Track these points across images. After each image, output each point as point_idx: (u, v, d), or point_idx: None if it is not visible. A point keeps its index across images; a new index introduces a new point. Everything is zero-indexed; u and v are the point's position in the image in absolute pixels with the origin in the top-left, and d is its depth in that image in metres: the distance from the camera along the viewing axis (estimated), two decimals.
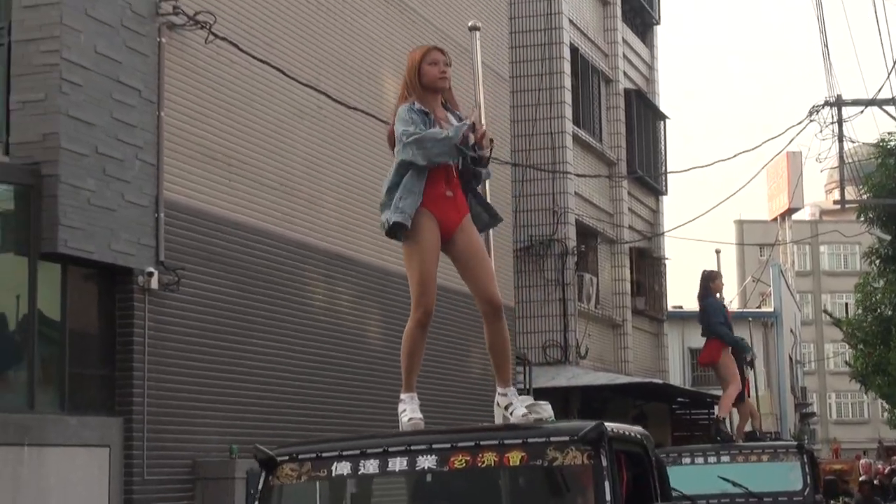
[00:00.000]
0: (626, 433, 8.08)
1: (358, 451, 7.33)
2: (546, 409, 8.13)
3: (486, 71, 27.23)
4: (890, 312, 33.00)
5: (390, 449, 7.35)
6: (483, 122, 8.79)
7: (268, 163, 20.14)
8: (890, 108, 31.59)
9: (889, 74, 30.12)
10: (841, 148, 31.13)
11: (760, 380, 56.01)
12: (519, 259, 29.60)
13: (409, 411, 8.06)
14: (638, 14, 37.68)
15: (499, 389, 8.35)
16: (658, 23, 39.72)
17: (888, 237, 34.00)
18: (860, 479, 27.12)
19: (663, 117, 38.97)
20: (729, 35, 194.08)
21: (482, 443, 7.21)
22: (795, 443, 18.84)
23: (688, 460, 17.29)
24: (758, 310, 60.99)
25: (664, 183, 38.99)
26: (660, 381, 33.15)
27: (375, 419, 22.12)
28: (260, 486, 7.54)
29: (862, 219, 36.86)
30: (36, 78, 15.90)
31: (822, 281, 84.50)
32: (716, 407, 22.67)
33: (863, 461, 33.78)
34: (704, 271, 20.93)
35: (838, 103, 30.45)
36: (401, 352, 8.23)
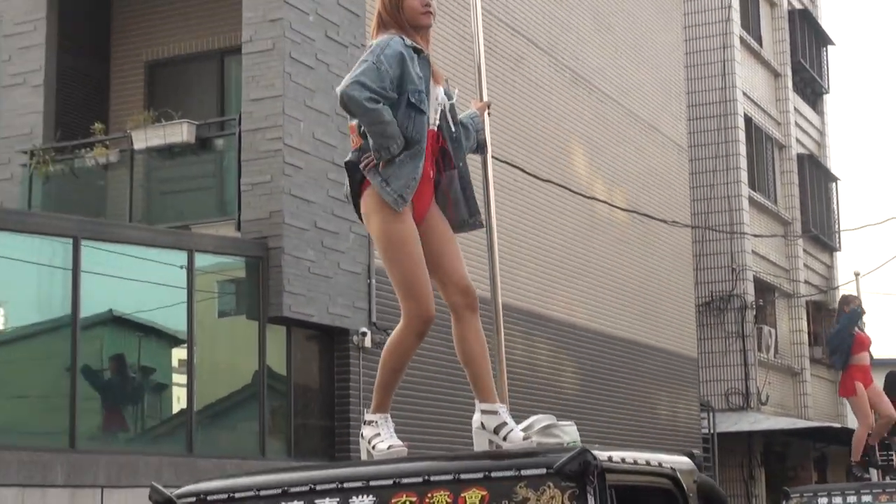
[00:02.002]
0: (637, 462, 5.51)
1: (280, 491, 5.33)
2: (569, 432, 5.93)
3: (665, 141, 27.65)
4: None
5: (318, 487, 5.28)
6: (486, 96, 6.99)
7: (472, 235, 20.21)
8: None
9: None
10: None
11: None
12: (701, 313, 29.53)
13: (386, 437, 6.21)
14: (808, 84, 37.42)
15: (480, 406, 6.18)
16: (827, 91, 39.32)
17: None
18: None
19: (835, 179, 38.54)
20: None
21: (432, 478, 5.12)
22: None
23: (824, 500, 15.09)
24: None
25: (838, 240, 38.61)
26: (838, 426, 32.57)
27: None
28: None
29: None
30: (262, 162, 16.38)
31: None
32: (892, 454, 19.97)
33: None
34: (842, 297, 19.54)
35: None
36: (381, 365, 6.43)
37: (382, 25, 6.26)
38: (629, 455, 5.33)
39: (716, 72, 31.23)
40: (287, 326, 16.76)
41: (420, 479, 5.08)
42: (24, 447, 14.27)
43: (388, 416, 6.40)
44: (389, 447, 6.10)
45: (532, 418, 5.96)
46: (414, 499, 5.02)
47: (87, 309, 14.89)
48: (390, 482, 5.15)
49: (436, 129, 6.33)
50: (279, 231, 16.22)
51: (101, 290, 15.17)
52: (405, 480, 5.13)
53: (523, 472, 4.91)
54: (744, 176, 31.29)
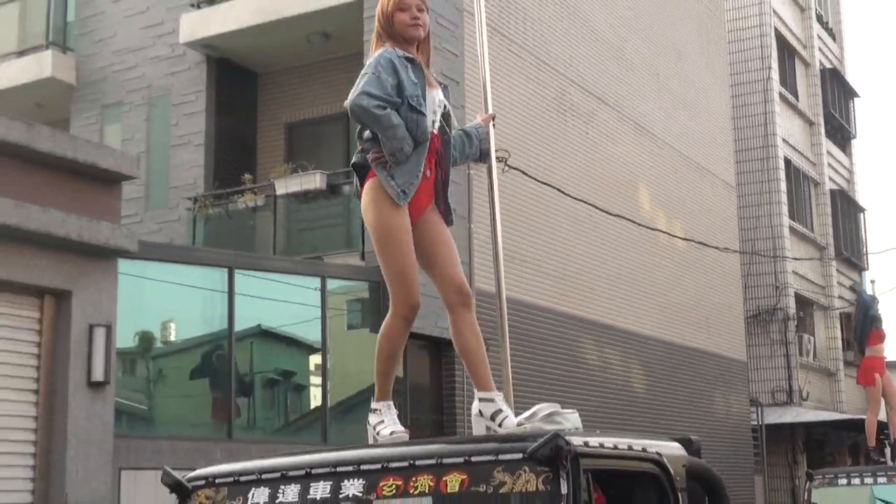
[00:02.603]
0: (618, 447, 4.89)
1: (279, 475, 4.92)
2: (571, 419, 5.34)
3: (716, 181, 27.74)
4: None
5: (313, 472, 4.90)
6: (490, 108, 6.48)
7: (551, 260, 20.33)
8: None
9: None
10: None
11: None
12: (749, 324, 29.59)
13: (390, 423, 5.77)
14: (838, 131, 37.15)
15: (478, 395, 5.86)
16: (855, 136, 38.95)
17: None
18: None
19: (862, 210, 38.20)
20: None
21: (418, 462, 4.69)
22: None
23: (843, 481, 14.19)
24: None
25: (866, 261, 38.34)
26: None
27: None
28: None
29: None
30: None
31: None
32: None
33: None
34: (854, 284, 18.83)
35: None
36: (377, 354, 5.97)
37: (379, 39, 5.94)
38: (609, 440, 4.80)
39: (759, 122, 31.33)
40: None
41: (406, 464, 4.69)
42: (191, 437, 14.77)
43: (391, 403, 5.95)
44: (392, 433, 5.70)
45: (536, 407, 5.41)
46: (400, 482, 4.66)
47: (240, 325, 15.39)
48: (378, 466, 4.76)
49: (436, 130, 5.93)
50: None
51: (252, 310, 15.61)
52: (392, 465, 4.73)
53: (501, 457, 4.51)
54: (784, 209, 31.29)
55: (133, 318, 14.01)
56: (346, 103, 5.69)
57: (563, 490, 4.27)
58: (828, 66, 36.65)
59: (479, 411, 5.79)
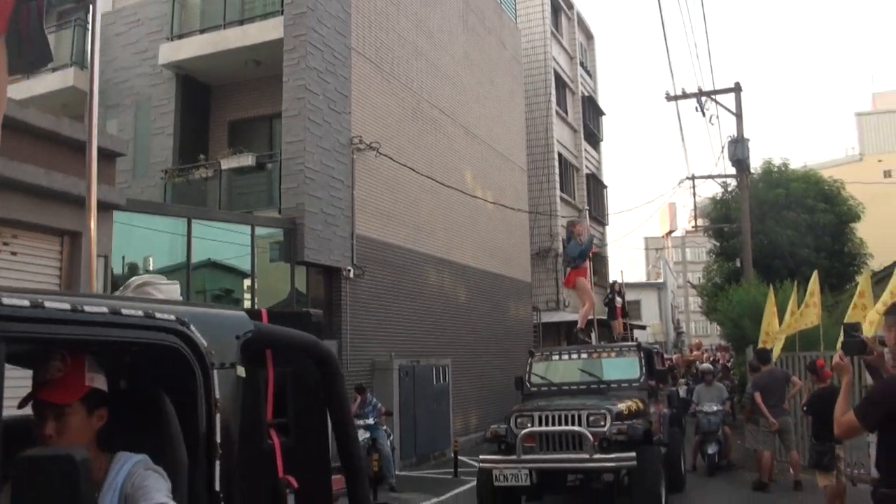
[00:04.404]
0: (80, 310, 2.20)
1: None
2: (166, 291, 3.02)
3: (514, 166, 27.60)
4: (718, 281, 32.62)
5: None
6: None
7: (409, 216, 20.02)
8: (717, 181, 31.47)
9: (716, 163, 30.21)
10: (694, 199, 31.13)
11: (654, 313, 55.71)
12: (533, 259, 29.56)
13: None
14: (592, 136, 37.27)
15: None
16: (602, 140, 39.42)
17: (717, 243, 33.76)
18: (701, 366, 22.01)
19: (605, 187, 38.64)
20: (643, 132, 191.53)
21: None
22: (635, 343, 14.09)
23: (556, 357, 13.49)
24: (657, 281, 60.58)
25: (607, 219, 38.82)
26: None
27: (465, 349, 22.36)
28: None
29: (705, 234, 36.66)
30: (293, 177, 16.16)
31: (687, 266, 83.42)
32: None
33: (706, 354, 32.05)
34: (568, 222, 17.53)
35: (692, 178, 30.41)
36: None
37: None
38: (58, 304, 2.17)
39: (542, 129, 31.23)
40: (307, 267, 16.63)
41: None
42: None
43: None
44: None
45: (132, 279, 3.06)
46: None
47: (196, 258, 14.73)
48: None
49: None
50: (302, 214, 16.08)
51: (203, 248, 14.97)
52: None
53: None
54: (557, 185, 31.38)
55: (124, 253, 13.40)
56: None
57: None
58: (586, 94, 36.84)
59: None
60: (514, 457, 10.98)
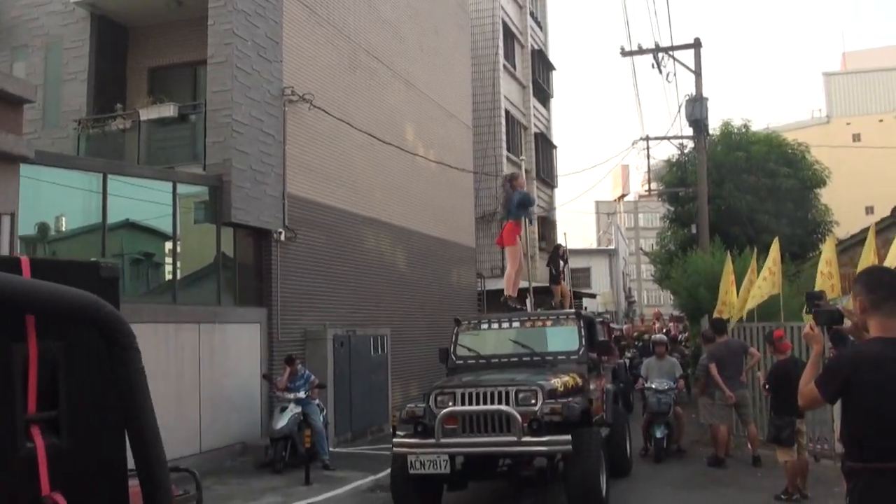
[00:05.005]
0: None
1: None
2: None
3: (459, 123, 27.27)
4: (673, 248, 32.84)
5: None
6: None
7: (344, 174, 19.70)
8: (673, 142, 31.47)
9: (672, 123, 30.34)
10: (648, 162, 31.02)
11: (604, 281, 56.15)
12: (478, 223, 29.27)
13: None
14: (541, 92, 37.05)
15: None
16: (552, 97, 39.15)
17: (672, 208, 33.92)
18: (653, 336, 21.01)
19: (555, 147, 38.54)
20: (596, 90, 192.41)
21: None
22: (574, 311, 12.85)
23: (485, 326, 12.44)
24: (608, 247, 61.01)
25: (556, 180, 38.69)
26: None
27: (405, 318, 22.13)
28: None
29: (660, 199, 36.85)
30: (219, 130, 15.65)
31: (640, 232, 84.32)
32: None
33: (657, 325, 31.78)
34: (504, 175, 16.29)
35: (647, 139, 30.32)
36: None
37: None
38: None
39: (489, 84, 30.73)
40: (234, 228, 16.14)
41: None
42: None
43: None
44: None
45: None
46: None
47: (112, 218, 13.99)
48: None
49: None
50: (229, 171, 15.56)
51: (120, 207, 14.20)
52: None
53: None
54: (504, 144, 31.04)
55: (32, 211, 12.63)
56: None
57: None
58: (536, 47, 36.44)
59: None
60: (432, 440, 10.01)
